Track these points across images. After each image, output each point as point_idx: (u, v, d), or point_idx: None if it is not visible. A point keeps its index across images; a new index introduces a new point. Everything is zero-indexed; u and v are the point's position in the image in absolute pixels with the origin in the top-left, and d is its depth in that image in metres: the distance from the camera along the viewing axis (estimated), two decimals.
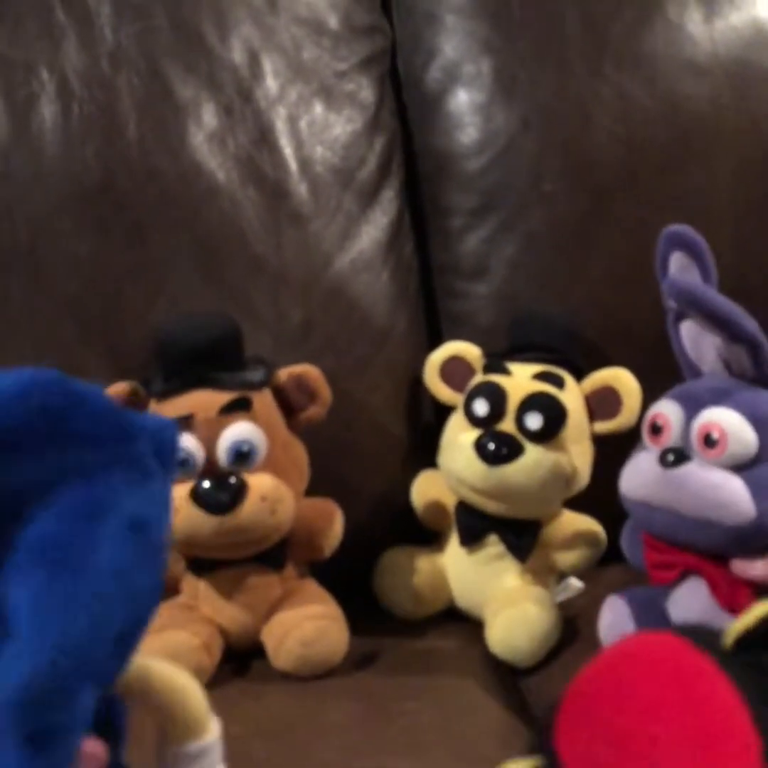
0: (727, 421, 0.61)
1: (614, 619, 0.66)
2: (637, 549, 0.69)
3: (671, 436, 0.63)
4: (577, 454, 0.73)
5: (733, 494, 0.60)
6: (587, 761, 0.38)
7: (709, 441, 0.61)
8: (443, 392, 0.79)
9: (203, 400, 0.67)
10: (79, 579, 0.33)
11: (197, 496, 0.65)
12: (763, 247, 0.83)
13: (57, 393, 0.35)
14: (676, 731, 0.37)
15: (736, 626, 0.40)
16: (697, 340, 0.67)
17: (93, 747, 0.36)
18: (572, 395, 0.74)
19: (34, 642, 0.32)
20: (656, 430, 0.64)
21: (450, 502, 0.77)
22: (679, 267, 0.67)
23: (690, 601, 0.64)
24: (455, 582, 0.77)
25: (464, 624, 0.76)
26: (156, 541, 0.36)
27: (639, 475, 0.64)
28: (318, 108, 0.81)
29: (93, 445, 0.35)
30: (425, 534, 0.80)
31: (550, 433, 0.72)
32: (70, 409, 0.35)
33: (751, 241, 0.82)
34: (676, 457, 0.62)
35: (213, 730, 0.41)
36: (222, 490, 0.65)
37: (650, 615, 0.64)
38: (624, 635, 0.62)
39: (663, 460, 0.62)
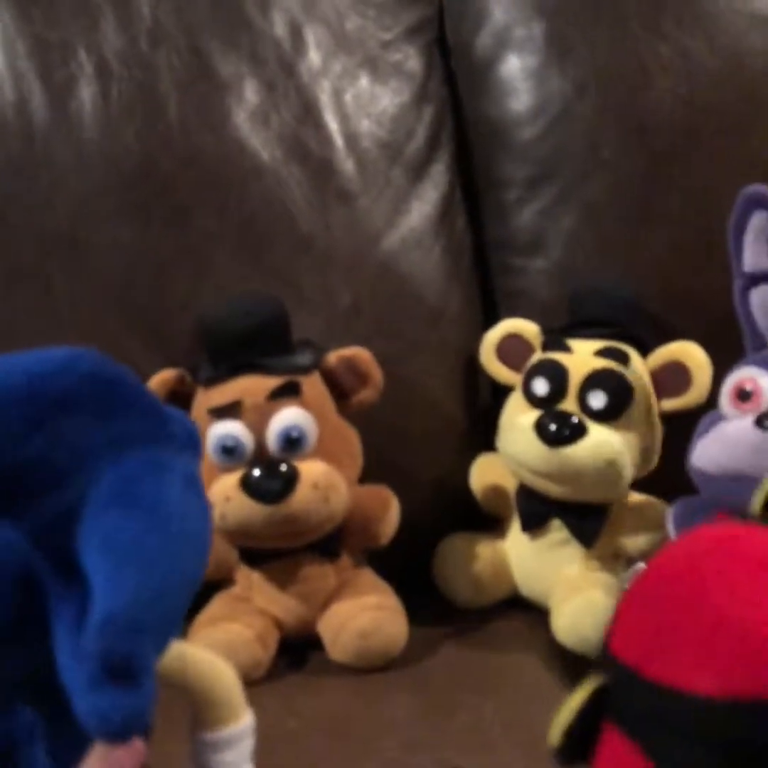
0: None
1: None
2: None
3: (763, 401, 0.60)
4: (644, 433, 0.70)
5: None
6: (648, 643, 0.36)
7: None
8: (500, 372, 0.77)
9: (251, 386, 0.66)
10: (151, 518, 0.33)
11: (248, 485, 0.63)
12: None
13: (104, 363, 0.36)
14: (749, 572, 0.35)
15: (759, 493, 0.42)
16: None
17: (133, 743, 0.35)
18: (638, 371, 0.71)
19: (112, 580, 0.32)
20: (745, 396, 0.61)
21: (510, 486, 0.74)
22: (758, 228, 0.63)
23: None
24: (518, 569, 0.75)
25: (528, 612, 0.74)
26: (204, 497, 0.37)
27: (728, 446, 0.61)
28: (363, 80, 0.78)
29: (137, 415, 0.36)
30: (485, 520, 0.78)
31: (614, 412, 0.69)
32: (117, 380, 0.36)
33: None
34: None
35: (247, 717, 0.41)
36: (273, 478, 0.63)
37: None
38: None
39: (761, 425, 0.59)
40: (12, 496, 0.34)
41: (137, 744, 0.36)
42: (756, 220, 0.64)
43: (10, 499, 0.34)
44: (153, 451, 0.36)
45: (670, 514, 0.66)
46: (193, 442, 0.38)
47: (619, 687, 0.36)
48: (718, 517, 0.62)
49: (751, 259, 0.64)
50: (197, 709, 0.40)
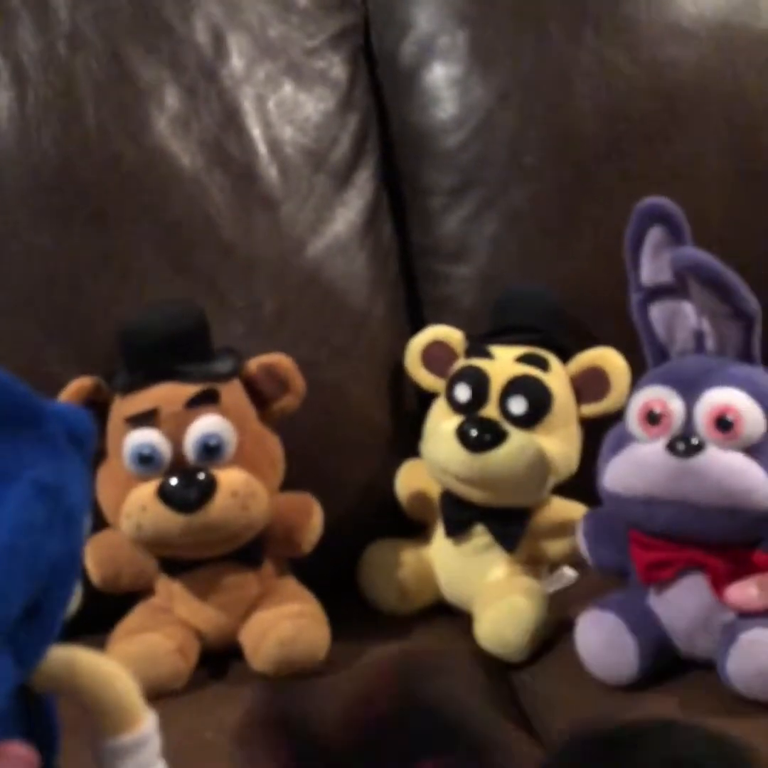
0: (738, 402, 0.57)
1: (610, 637, 0.61)
2: (611, 551, 0.64)
3: (672, 424, 0.59)
4: (564, 438, 0.71)
5: (756, 478, 0.57)
6: None
7: (723, 424, 0.57)
8: (425, 378, 0.77)
9: (168, 394, 0.65)
10: None
11: (164, 494, 0.63)
12: (755, 218, 0.80)
13: None
14: None
15: None
16: (670, 321, 0.63)
17: (20, 750, 0.35)
18: (557, 377, 0.71)
19: None
20: (654, 418, 0.60)
21: (435, 492, 0.74)
22: (656, 242, 0.63)
23: (685, 599, 0.61)
24: (442, 575, 0.75)
25: (452, 618, 0.74)
26: (68, 509, 0.35)
27: (640, 469, 0.59)
28: (287, 87, 0.78)
29: None
30: (411, 526, 0.77)
31: (535, 418, 0.69)
32: None
33: (742, 212, 0.79)
34: (688, 445, 0.58)
35: (148, 721, 0.39)
36: (190, 487, 0.63)
37: (644, 623, 0.61)
38: (624, 652, 0.60)
39: (674, 450, 0.58)
40: None
41: (23, 752, 0.35)
42: (653, 235, 0.63)
43: None
44: (3, 453, 0.34)
45: (580, 527, 0.66)
46: (76, 439, 0.36)
47: None
48: (631, 535, 0.62)
49: (650, 273, 0.64)
50: (93, 717, 0.39)
